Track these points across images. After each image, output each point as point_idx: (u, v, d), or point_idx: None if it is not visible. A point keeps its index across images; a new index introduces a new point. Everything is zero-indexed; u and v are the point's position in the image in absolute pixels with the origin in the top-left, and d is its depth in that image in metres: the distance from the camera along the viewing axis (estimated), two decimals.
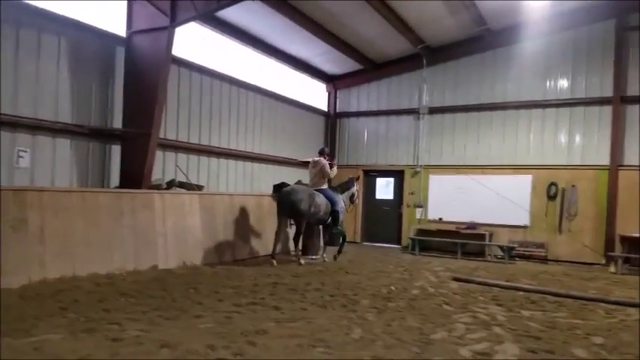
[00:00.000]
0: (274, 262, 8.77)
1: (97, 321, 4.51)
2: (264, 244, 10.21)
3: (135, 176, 8.14)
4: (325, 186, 9.44)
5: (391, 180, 14.02)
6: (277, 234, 9.10)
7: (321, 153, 9.82)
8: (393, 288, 6.95)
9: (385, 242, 13.69)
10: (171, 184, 9.04)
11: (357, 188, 10.31)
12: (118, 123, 8.46)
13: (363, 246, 13.57)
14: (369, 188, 14.28)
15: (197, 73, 10.12)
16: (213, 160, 10.65)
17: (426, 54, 12.67)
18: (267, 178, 12.09)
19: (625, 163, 10.81)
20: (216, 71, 10.59)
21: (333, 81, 14.56)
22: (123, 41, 8.47)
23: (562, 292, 6.91)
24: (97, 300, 5.39)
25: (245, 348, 3.95)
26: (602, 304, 6.32)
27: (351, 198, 10.24)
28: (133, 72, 8.32)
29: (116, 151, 8.54)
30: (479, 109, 12.51)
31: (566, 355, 4.12)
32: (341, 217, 9.61)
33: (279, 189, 10.90)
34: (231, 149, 11.04)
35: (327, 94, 14.78)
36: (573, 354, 4.17)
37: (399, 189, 13.80)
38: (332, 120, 14.69)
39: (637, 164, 10.66)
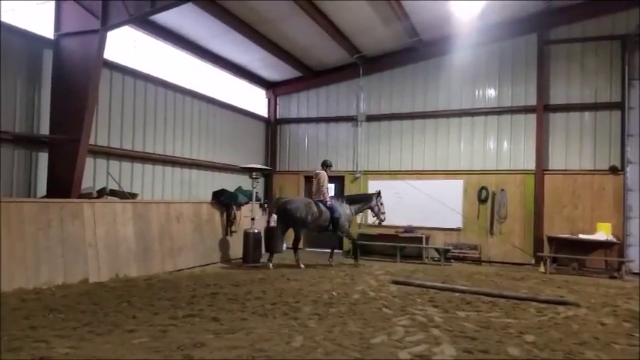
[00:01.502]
0: (270, 265, 9.61)
1: (23, 339, 4.27)
2: (203, 254, 9.94)
3: (63, 184, 7.72)
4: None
5: (332, 186, 14.10)
6: (277, 239, 10.19)
7: (323, 165, 10.36)
8: (334, 293, 6.97)
9: (327, 247, 13.61)
10: (102, 193, 8.59)
11: (376, 203, 10.49)
12: (45, 129, 7.96)
13: (306, 252, 13.51)
14: (311, 194, 14.28)
15: (130, 77, 9.70)
16: (148, 167, 10.23)
17: (363, 63, 12.98)
18: (206, 185, 11.79)
19: (550, 167, 11.56)
20: (151, 75, 10.22)
21: (272, 87, 14.53)
22: (50, 44, 8.01)
23: (495, 293, 7.24)
24: (23, 317, 5.08)
25: None
26: (533, 303, 6.67)
27: (372, 210, 10.54)
28: (62, 76, 7.91)
29: (43, 158, 8.02)
30: (413, 117, 12.97)
31: (500, 355, 4.29)
32: (345, 224, 10.15)
33: (218, 196, 10.72)
34: (166, 155, 10.65)
35: (267, 100, 14.71)
36: (507, 353, 4.35)
37: (340, 194, 13.90)
38: (272, 126, 14.63)
39: (561, 168, 11.44)
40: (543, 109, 11.54)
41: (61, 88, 7.86)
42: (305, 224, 9.84)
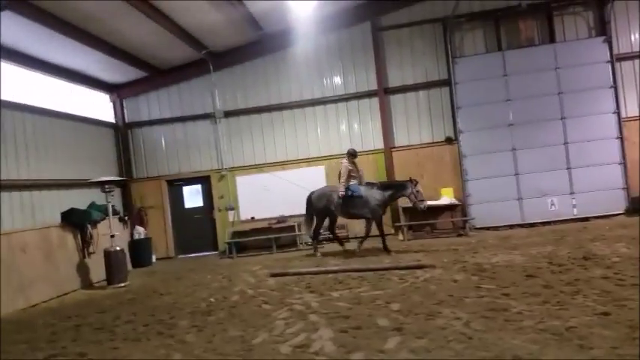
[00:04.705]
0: (318, 254, 10.13)
1: None
2: (59, 282, 8.94)
3: None
4: (353, 182, 9.79)
5: (198, 187, 13.69)
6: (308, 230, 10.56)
7: (347, 154, 10.12)
8: (212, 300, 6.81)
9: (202, 251, 13.35)
10: None
11: (412, 191, 9.45)
12: None
13: (178, 260, 12.99)
14: (176, 198, 13.69)
15: None
16: None
17: (211, 59, 12.68)
18: (53, 206, 10.48)
19: (396, 144, 12.67)
20: None
21: (116, 90, 13.42)
22: None
23: (363, 267, 7.78)
24: None
25: None
26: (396, 271, 7.29)
27: (409, 199, 9.61)
28: None
29: None
30: (269, 109, 13.13)
31: (371, 328, 4.62)
32: (374, 208, 9.63)
33: (68, 217, 9.67)
34: None
35: (112, 104, 13.53)
36: (377, 325, 4.70)
37: (208, 194, 13.56)
38: (122, 131, 13.55)
39: (405, 144, 12.58)
40: (384, 92, 12.53)
41: None
42: (327, 212, 10.05)
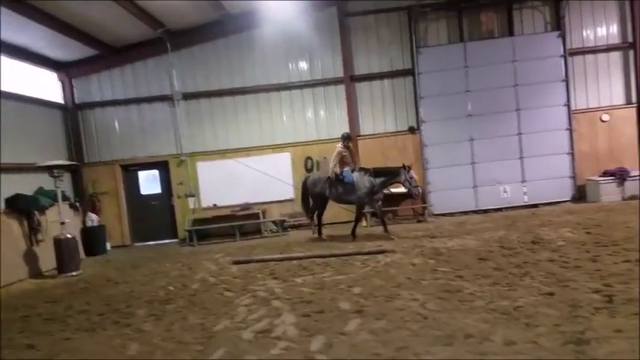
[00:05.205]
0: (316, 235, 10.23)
1: None
2: (4, 272, 8.42)
3: None
4: (346, 168, 9.66)
5: (156, 172, 13.23)
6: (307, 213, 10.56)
7: (342, 138, 9.97)
8: (171, 288, 6.61)
9: (160, 239, 12.97)
10: None
11: (405, 178, 9.21)
12: None
13: (135, 248, 12.57)
14: (132, 184, 13.19)
15: None
16: None
17: (169, 38, 12.18)
18: None
19: (362, 133, 12.68)
20: None
21: (65, 68, 12.66)
22: None
23: (326, 254, 7.75)
24: None
25: None
26: (358, 257, 7.32)
27: (403, 185, 9.38)
28: None
29: None
30: (232, 93, 12.79)
31: (334, 311, 4.61)
32: (361, 195, 9.51)
33: (13, 203, 9.12)
34: None
35: (60, 83, 12.78)
36: (339, 308, 4.70)
37: (166, 181, 13.13)
38: (72, 113, 12.82)
39: (370, 133, 12.66)
40: (350, 79, 12.48)
41: None
42: (322, 196, 9.96)
